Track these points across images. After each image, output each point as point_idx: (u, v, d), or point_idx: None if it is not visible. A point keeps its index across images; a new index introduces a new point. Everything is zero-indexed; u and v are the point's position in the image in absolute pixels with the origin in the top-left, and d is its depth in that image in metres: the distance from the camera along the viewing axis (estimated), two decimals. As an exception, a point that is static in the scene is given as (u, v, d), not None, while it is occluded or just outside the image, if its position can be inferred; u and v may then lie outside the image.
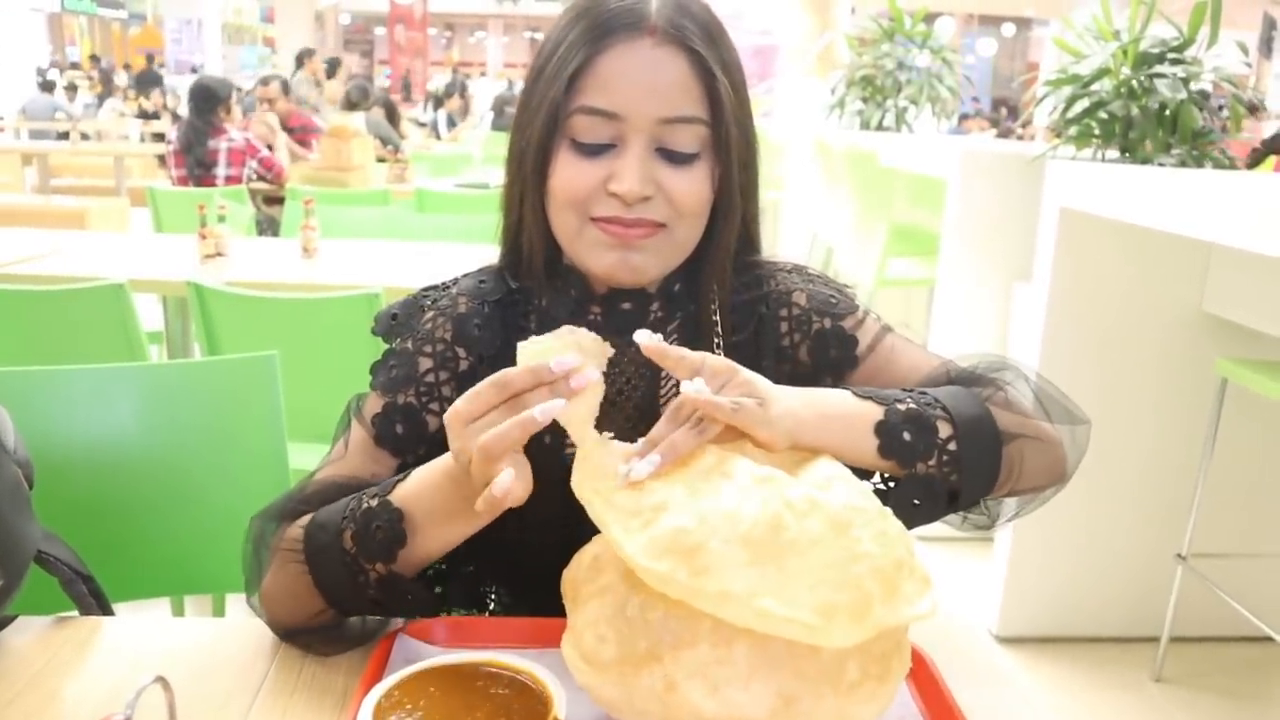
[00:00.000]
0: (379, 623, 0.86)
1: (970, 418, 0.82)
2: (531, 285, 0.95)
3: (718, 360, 0.76)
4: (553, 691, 0.68)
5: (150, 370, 1.42)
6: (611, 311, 0.93)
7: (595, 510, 0.67)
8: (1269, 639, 2.17)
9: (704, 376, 0.74)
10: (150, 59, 15.40)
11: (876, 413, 0.80)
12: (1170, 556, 2.33)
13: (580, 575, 0.72)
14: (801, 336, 0.97)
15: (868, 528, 0.65)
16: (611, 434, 0.74)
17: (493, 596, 1.00)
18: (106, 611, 0.99)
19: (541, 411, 0.71)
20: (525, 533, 0.89)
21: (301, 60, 8.40)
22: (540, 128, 0.87)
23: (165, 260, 2.88)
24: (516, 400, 0.73)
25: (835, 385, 0.93)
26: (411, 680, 0.70)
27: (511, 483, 0.70)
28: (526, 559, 0.91)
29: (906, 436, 0.80)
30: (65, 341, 2.31)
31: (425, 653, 0.79)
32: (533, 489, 0.72)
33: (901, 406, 0.81)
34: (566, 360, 0.73)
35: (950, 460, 0.81)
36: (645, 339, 0.75)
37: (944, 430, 0.81)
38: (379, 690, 0.69)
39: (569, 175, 0.86)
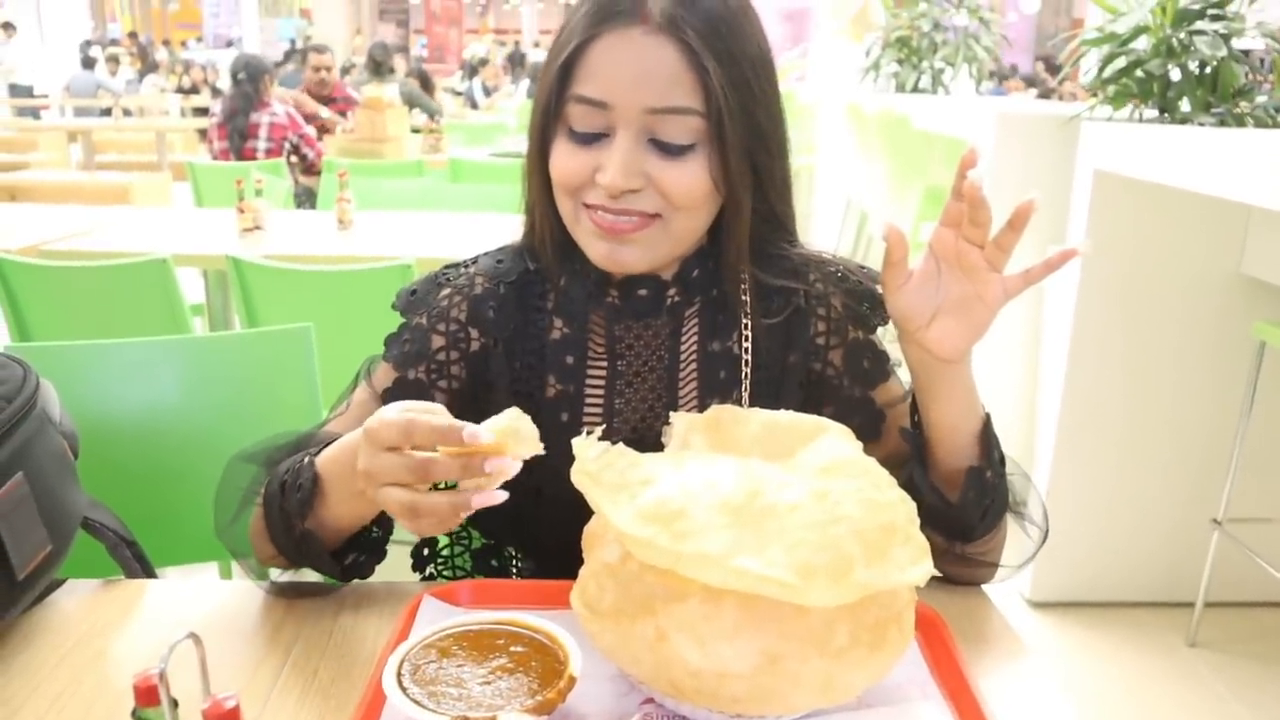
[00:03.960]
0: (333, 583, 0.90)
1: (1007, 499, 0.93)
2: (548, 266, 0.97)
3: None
4: (569, 649, 0.71)
5: (189, 342, 1.46)
6: (628, 295, 0.94)
7: (585, 489, 0.69)
8: (1305, 604, 2.16)
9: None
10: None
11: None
12: (1206, 521, 2.31)
13: (597, 529, 0.74)
14: (838, 341, 0.98)
15: (851, 492, 0.67)
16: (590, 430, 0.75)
17: (515, 564, 1.04)
18: (150, 575, 1.03)
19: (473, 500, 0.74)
20: (543, 508, 0.92)
21: None
22: (540, 113, 0.88)
23: (206, 234, 2.93)
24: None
25: (862, 396, 0.97)
26: (436, 640, 0.73)
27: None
28: (545, 531, 0.94)
29: (989, 475, 0.88)
30: (112, 315, 2.38)
31: (450, 614, 0.82)
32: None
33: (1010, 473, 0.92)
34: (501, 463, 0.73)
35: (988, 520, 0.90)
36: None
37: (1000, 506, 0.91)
38: (403, 649, 0.72)
39: (563, 162, 0.87)
